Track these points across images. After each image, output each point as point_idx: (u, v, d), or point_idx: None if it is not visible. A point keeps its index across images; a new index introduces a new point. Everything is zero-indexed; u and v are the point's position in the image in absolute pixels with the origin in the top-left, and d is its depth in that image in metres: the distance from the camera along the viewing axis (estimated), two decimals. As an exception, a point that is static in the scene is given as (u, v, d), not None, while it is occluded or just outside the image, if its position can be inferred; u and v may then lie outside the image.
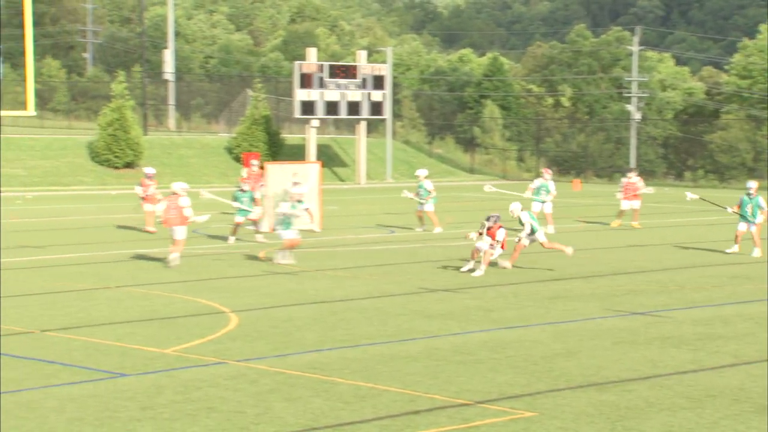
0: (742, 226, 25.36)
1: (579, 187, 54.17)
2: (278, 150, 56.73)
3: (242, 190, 27.44)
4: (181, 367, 13.05)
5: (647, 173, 60.35)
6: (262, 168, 30.88)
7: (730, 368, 13.21)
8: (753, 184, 25.76)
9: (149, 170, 30.55)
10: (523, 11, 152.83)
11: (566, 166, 66.35)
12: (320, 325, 15.91)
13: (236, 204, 27.23)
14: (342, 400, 11.54)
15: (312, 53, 55.21)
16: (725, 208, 27.07)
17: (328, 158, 58.47)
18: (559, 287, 19.85)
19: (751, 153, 58.94)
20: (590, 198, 47.19)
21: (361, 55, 57.14)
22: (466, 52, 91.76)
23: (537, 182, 31.29)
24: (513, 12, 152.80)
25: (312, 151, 54.94)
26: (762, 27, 67.61)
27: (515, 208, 22.24)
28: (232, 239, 27.06)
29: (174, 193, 22.62)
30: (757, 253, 24.90)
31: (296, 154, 56.92)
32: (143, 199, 29.64)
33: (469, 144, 69.41)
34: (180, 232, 22.39)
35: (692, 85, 70.85)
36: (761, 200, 25.38)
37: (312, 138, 55.22)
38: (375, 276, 21.24)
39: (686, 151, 63.71)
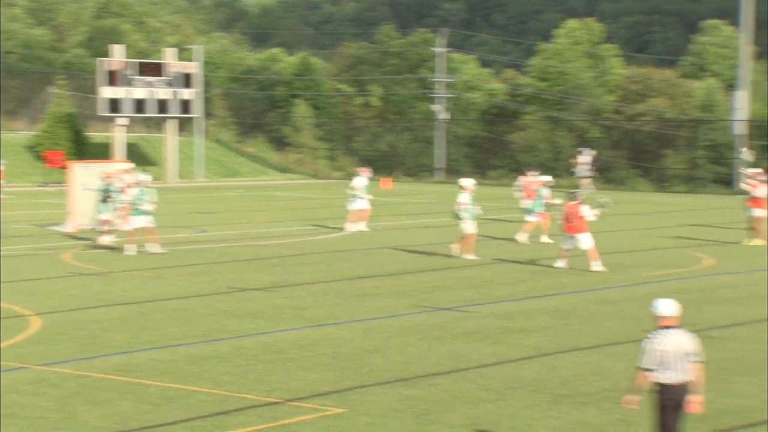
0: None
1: (390, 186, 54.95)
2: (84, 149, 55.17)
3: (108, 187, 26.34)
4: (-20, 373, 12.58)
5: (455, 172, 61.74)
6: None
7: (529, 360, 13.77)
8: (547, 178, 29.27)
9: None
10: (332, 11, 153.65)
11: (377, 166, 67.13)
12: (128, 326, 15.63)
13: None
14: (150, 402, 11.39)
15: (118, 50, 53.97)
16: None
17: (137, 157, 57.22)
18: (368, 285, 20.15)
19: (549, 153, 61.17)
20: (400, 197, 47.97)
21: (170, 53, 56.24)
22: (276, 51, 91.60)
23: (360, 181, 31.09)
24: (323, 12, 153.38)
25: (120, 150, 53.71)
26: (556, 32, 70.22)
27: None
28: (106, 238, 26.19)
29: None
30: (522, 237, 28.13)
31: (103, 153, 55.46)
32: None
33: (280, 143, 69.37)
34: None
35: (494, 87, 72.90)
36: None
37: (119, 136, 53.98)
38: (184, 276, 21.00)
39: (490, 150, 65.56)
